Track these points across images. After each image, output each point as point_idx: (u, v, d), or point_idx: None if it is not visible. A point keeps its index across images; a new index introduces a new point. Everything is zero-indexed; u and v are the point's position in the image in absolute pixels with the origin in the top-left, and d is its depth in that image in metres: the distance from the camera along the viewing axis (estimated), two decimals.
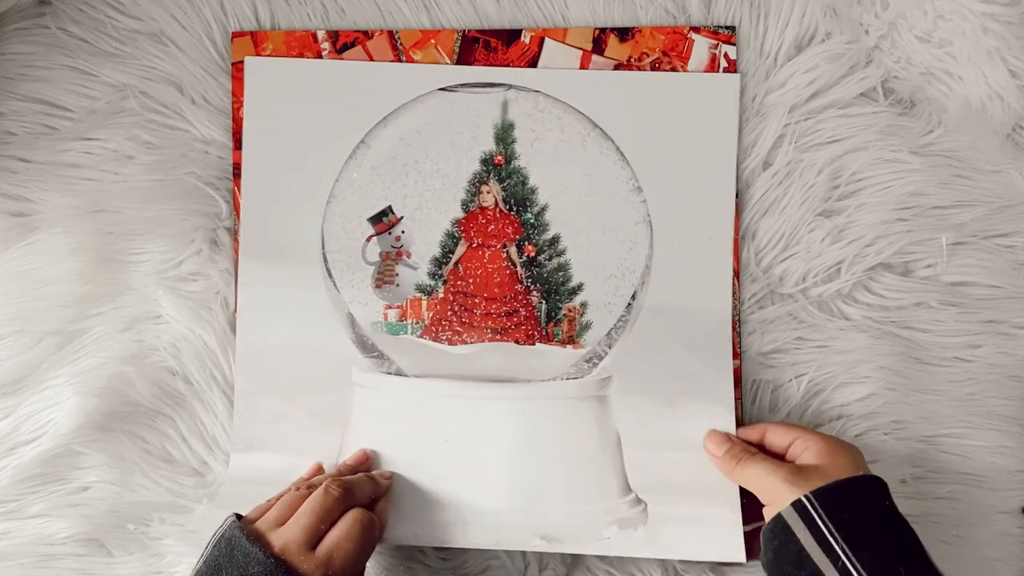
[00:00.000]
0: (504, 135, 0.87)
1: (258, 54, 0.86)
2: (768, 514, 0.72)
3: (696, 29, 0.84)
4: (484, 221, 0.87)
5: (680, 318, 0.85)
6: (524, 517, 0.82)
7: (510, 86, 0.88)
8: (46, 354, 0.82)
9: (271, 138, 0.85)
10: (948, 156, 0.83)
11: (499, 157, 0.87)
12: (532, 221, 0.87)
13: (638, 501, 0.82)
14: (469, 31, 0.85)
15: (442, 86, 0.87)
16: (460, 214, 0.87)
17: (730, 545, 0.77)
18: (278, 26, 0.85)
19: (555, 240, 0.87)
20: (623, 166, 0.87)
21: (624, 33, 0.85)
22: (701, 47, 0.84)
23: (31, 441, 0.81)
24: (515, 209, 0.87)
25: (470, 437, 0.83)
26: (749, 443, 0.80)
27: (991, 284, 0.82)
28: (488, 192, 0.87)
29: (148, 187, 0.83)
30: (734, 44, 0.83)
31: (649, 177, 0.87)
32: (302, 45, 0.85)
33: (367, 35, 0.86)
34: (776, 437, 0.78)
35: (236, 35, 0.85)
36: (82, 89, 0.82)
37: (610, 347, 0.86)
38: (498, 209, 0.87)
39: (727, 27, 0.84)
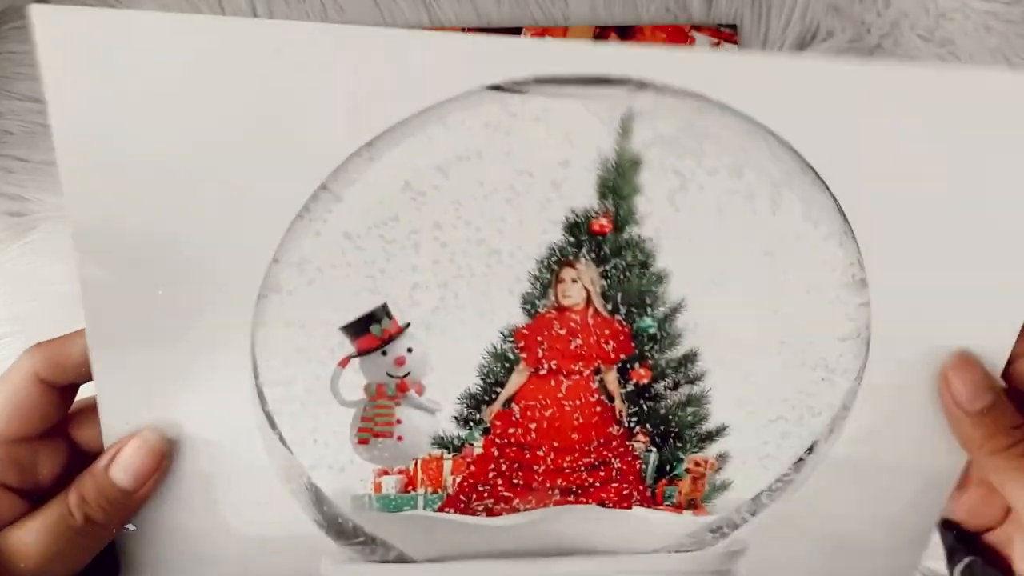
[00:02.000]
0: (619, 182, 0.42)
1: None
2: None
3: (698, 28, 0.79)
4: (564, 332, 0.46)
5: (873, 477, 0.52)
6: None
7: (640, 83, 0.40)
8: None
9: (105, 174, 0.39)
10: None
11: (603, 220, 0.43)
12: (653, 331, 0.46)
13: None
14: (468, 29, 0.78)
15: (496, 82, 0.39)
16: (521, 319, 0.45)
17: None
18: None
19: (689, 359, 0.47)
20: (843, 243, 0.44)
21: (624, 31, 0.79)
22: (703, 46, 0.77)
23: None
24: (624, 310, 0.45)
25: None
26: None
27: None
28: (575, 280, 0.44)
29: None
30: (736, 43, 0.78)
31: (885, 260, 0.44)
32: None
33: None
34: None
35: None
36: None
37: (754, 514, 0.52)
38: (591, 310, 0.45)
39: (728, 25, 0.79)
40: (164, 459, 0.45)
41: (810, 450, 0.50)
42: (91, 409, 0.45)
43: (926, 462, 0.51)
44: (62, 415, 0.46)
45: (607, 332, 0.47)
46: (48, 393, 0.44)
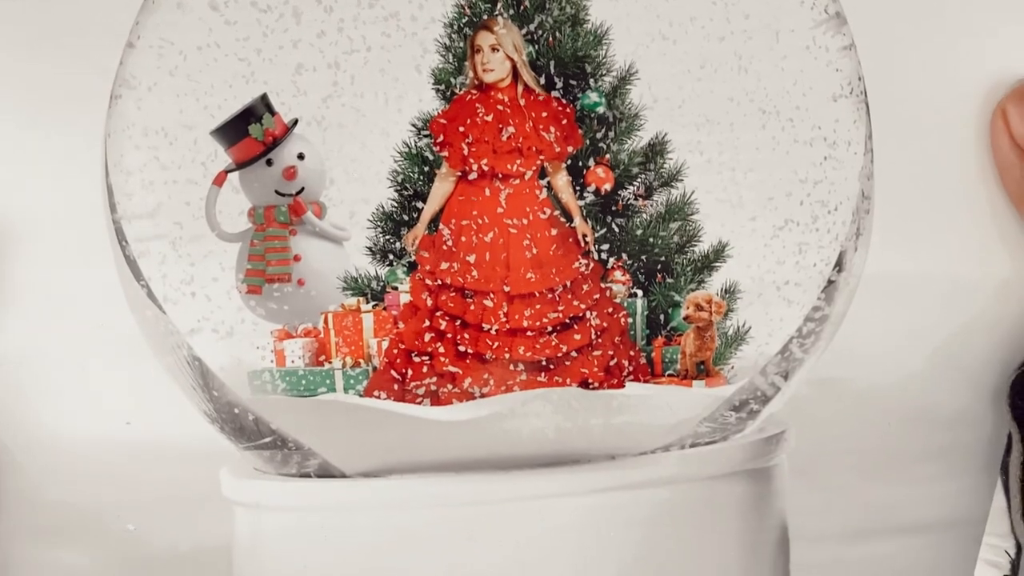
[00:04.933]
0: None
1: None
2: None
3: None
4: (492, 118, 0.36)
5: (929, 299, 0.40)
6: None
7: None
8: None
9: None
10: None
11: None
12: (602, 110, 0.35)
13: None
14: None
15: None
16: (435, 105, 0.35)
17: None
18: None
19: (656, 149, 0.37)
20: None
21: None
22: None
23: None
24: (561, 84, 0.35)
25: None
26: None
27: None
28: (495, 48, 0.35)
29: None
30: None
31: None
32: None
33: None
34: None
35: None
36: None
37: (788, 376, 0.39)
38: (520, 87, 0.35)
39: None
40: None
41: (839, 266, 0.38)
42: None
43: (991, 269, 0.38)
44: None
45: (545, 115, 0.37)
46: None
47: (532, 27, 0.37)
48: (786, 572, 0.44)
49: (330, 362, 0.38)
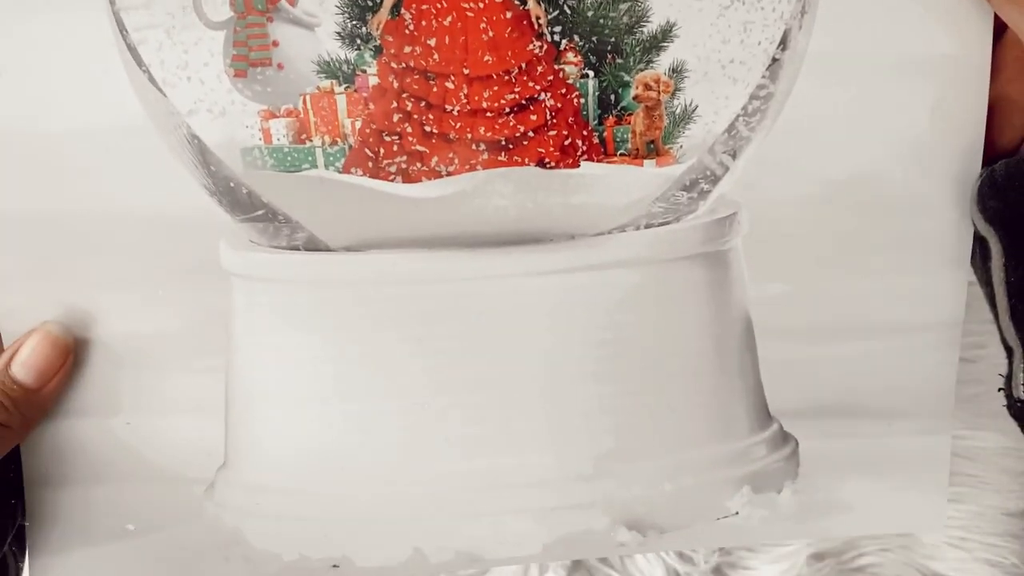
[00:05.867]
0: None
1: None
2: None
3: None
4: None
5: (879, 76, 0.41)
6: (590, 491, 0.45)
7: None
8: None
9: None
10: None
11: None
12: None
13: (783, 438, 0.46)
14: None
15: None
16: None
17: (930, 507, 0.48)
18: None
19: None
20: None
21: None
22: None
23: None
24: None
25: (469, 355, 0.44)
26: None
27: None
28: None
29: None
30: None
31: None
32: None
33: None
34: None
35: None
36: None
37: (735, 155, 0.41)
38: None
39: None
40: (69, 354, 0.42)
41: (783, 45, 0.40)
42: None
43: (945, 42, 0.39)
44: None
45: None
46: None
47: None
48: (755, 366, 0.46)
49: (311, 140, 0.42)
